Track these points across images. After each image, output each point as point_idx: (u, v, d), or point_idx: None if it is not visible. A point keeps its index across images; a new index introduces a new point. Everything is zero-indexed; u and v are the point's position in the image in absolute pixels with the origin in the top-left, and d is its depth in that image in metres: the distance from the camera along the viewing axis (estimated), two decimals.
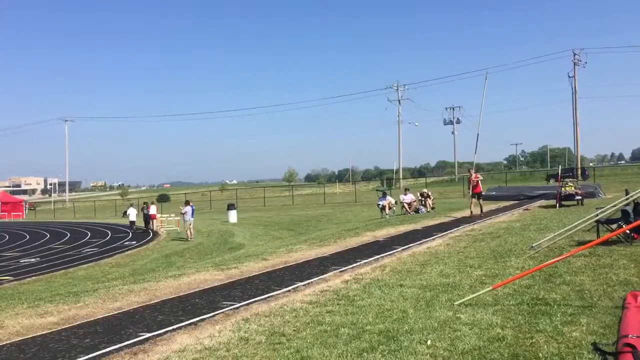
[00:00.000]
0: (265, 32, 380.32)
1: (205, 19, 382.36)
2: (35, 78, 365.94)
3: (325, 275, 9.61)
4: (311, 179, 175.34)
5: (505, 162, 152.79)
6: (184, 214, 26.02)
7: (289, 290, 8.45)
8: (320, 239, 16.49)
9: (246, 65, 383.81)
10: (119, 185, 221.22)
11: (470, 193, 22.31)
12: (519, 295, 6.91)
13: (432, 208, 27.42)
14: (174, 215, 34.12)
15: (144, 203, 35.59)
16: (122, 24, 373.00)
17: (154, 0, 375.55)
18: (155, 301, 8.32)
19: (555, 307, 6.22)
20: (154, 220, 32.72)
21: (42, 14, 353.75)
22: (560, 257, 8.14)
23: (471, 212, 21.49)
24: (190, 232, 25.80)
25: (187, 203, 26.59)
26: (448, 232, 15.74)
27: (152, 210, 32.95)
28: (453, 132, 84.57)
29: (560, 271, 8.16)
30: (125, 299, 8.64)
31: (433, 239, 14.13)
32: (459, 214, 22.64)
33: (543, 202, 27.04)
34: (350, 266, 10.52)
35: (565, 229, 11.34)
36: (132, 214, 33.80)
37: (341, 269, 10.19)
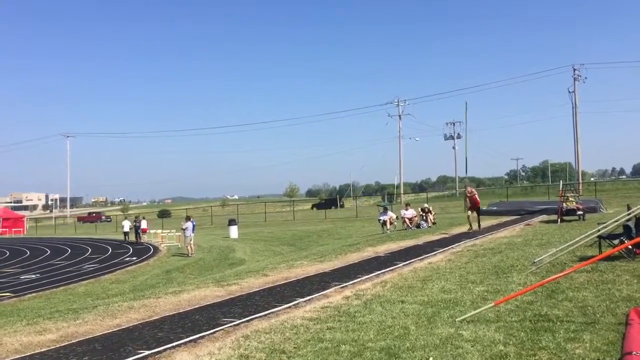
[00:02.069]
0: (263, 46, 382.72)
1: (204, 31, 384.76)
2: (36, 93, 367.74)
3: (326, 291, 9.56)
4: (312, 194, 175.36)
5: (506, 177, 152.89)
6: (184, 229, 25.96)
7: (290, 307, 8.39)
8: (321, 255, 16.43)
9: (247, 80, 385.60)
10: (120, 200, 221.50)
11: (469, 207, 22.36)
12: (521, 311, 6.85)
13: (434, 223, 27.35)
14: (174, 230, 34.12)
15: (135, 217, 38.66)
16: (121, 36, 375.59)
17: (154, 10, 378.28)
18: (155, 318, 8.27)
19: (558, 323, 6.16)
20: (145, 234, 35.96)
21: (40, 29, 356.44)
22: (563, 273, 8.09)
23: (471, 226, 21.60)
24: (191, 248, 25.72)
25: (187, 218, 26.54)
26: (449, 247, 15.68)
27: (143, 224, 36.21)
28: (454, 147, 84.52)
29: (563, 287, 8.11)
30: (125, 315, 8.58)
31: (434, 255, 14.07)
32: (460, 229, 22.58)
33: (544, 217, 26.98)
34: (351, 282, 10.46)
35: (567, 244, 11.29)
36: (126, 225, 36.91)
37: (342, 285, 10.13)
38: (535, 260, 10.75)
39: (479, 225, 21.75)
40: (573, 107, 60.14)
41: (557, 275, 7.94)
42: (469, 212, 22.13)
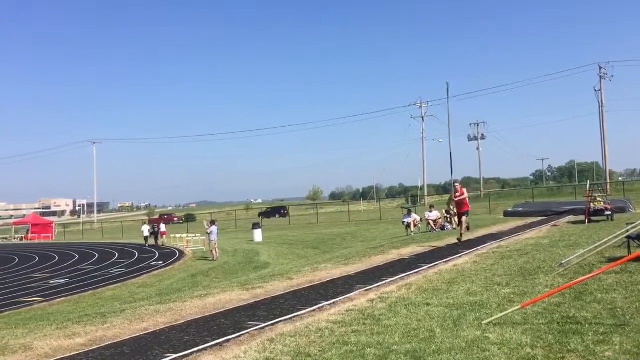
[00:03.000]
0: (283, 48, 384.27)
1: (226, 34, 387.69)
2: (62, 100, 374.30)
3: (350, 295, 9.55)
4: (336, 197, 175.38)
5: (531, 177, 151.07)
6: (209, 233, 26.18)
7: (314, 310, 8.40)
8: (345, 258, 16.41)
9: (267, 84, 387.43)
10: (146, 205, 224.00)
11: (455, 212, 18.38)
12: (548, 313, 6.77)
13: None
14: (199, 234, 34.41)
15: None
16: (146, 41, 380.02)
17: (181, 16, 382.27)
18: (182, 322, 8.34)
19: (587, 325, 6.07)
20: (163, 237, 37.97)
21: (68, 36, 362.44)
22: (591, 275, 7.97)
23: (461, 235, 17.91)
24: (216, 252, 25.91)
25: (212, 222, 26.76)
26: (474, 249, 15.54)
27: (162, 228, 38.50)
28: (478, 148, 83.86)
29: (591, 289, 7.98)
30: (152, 319, 8.68)
31: (459, 257, 13.96)
32: (485, 231, 22.37)
33: (572, 218, 26.60)
34: (376, 285, 10.43)
35: (595, 245, 11.12)
36: (146, 230, 38.99)
37: (367, 288, 10.11)
38: (562, 262, 10.60)
39: (462, 235, 17.84)
40: (599, 106, 59.22)
41: (585, 277, 7.83)
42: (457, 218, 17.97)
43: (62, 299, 17.18)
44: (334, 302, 8.93)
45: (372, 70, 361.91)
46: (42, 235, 67.47)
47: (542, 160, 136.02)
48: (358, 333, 6.57)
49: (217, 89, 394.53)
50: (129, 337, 7.52)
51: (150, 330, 7.84)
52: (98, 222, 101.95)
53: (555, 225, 22.76)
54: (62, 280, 22.42)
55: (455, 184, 18.62)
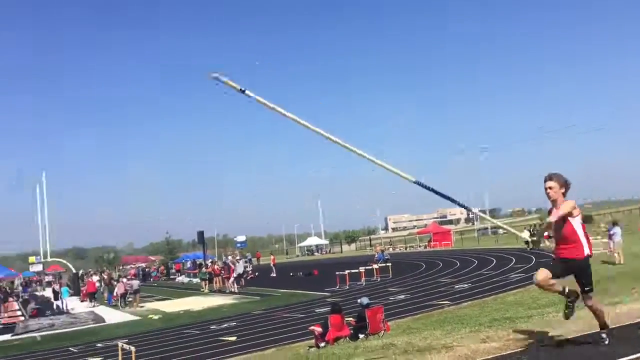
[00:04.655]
0: None
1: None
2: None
3: None
4: None
5: None
6: (612, 234, 24.33)
7: None
8: None
9: None
10: (536, 209, 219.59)
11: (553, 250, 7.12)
12: None
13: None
14: (599, 237, 32.19)
15: (538, 225, 43.53)
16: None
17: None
18: (590, 332, 8.00)
19: None
20: (547, 240, 37.75)
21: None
22: None
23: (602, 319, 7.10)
24: (620, 255, 23.90)
25: (614, 224, 24.89)
26: None
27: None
28: None
29: None
30: (563, 326, 8.55)
31: None
32: None
33: None
34: None
35: None
36: (525, 235, 39.69)
37: None
38: None
39: (603, 318, 7.06)
40: None
41: None
42: (548, 275, 6.74)
43: (468, 302, 18.29)
44: None
45: None
46: (443, 242, 72.76)
47: None
48: None
49: None
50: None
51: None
52: (492, 229, 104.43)
53: None
54: (465, 285, 23.85)
55: (547, 182, 6.60)
